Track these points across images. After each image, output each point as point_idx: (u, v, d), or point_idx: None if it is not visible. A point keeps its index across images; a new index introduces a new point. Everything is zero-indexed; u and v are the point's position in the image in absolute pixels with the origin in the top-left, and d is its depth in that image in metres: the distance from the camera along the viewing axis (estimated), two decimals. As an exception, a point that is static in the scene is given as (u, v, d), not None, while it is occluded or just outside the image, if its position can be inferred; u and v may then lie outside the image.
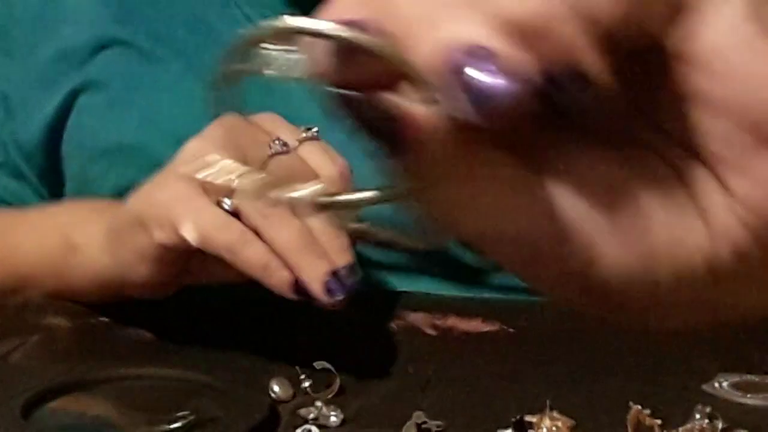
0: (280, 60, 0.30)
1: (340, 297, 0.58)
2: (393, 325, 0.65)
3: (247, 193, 0.61)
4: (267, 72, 0.30)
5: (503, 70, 0.26)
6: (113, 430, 0.53)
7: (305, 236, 0.61)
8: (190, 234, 0.61)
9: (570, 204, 0.31)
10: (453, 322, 0.65)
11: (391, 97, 0.28)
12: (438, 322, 0.65)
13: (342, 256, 0.60)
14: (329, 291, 0.58)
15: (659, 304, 0.33)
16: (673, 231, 0.31)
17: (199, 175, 0.62)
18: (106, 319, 0.67)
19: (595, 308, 0.33)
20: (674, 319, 0.34)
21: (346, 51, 0.28)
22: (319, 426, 0.53)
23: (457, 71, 0.27)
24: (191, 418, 0.52)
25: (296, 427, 0.53)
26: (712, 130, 0.31)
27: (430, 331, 0.64)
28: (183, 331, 0.65)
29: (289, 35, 0.29)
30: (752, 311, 0.33)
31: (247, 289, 0.60)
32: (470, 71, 0.27)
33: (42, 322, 0.66)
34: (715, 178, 0.31)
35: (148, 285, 0.64)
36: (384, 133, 0.28)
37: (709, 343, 0.62)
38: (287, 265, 0.59)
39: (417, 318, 0.65)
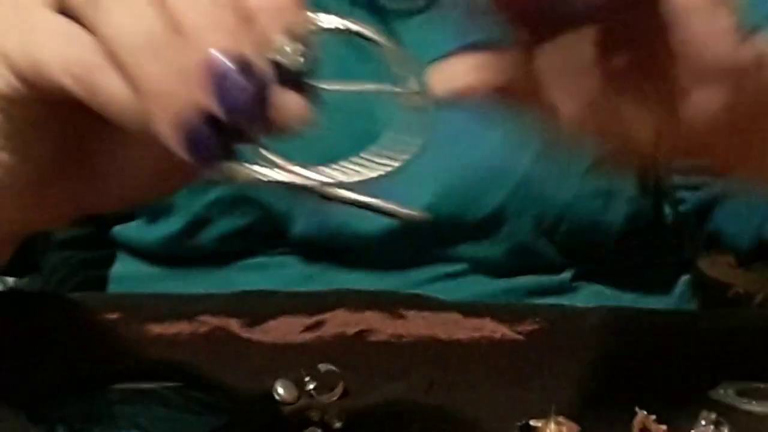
0: None
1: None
2: (397, 327, 0.65)
3: None
4: None
5: None
6: (115, 430, 0.53)
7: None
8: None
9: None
10: (457, 325, 0.65)
11: None
12: (443, 326, 0.65)
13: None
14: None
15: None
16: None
17: None
18: (113, 316, 0.67)
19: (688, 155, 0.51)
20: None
21: None
22: (323, 428, 0.53)
23: None
24: (194, 419, 0.52)
25: (300, 429, 0.53)
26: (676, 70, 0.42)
27: (435, 335, 0.64)
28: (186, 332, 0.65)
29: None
30: None
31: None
32: None
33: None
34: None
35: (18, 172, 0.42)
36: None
37: (714, 349, 0.62)
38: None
39: (421, 321, 0.65)
